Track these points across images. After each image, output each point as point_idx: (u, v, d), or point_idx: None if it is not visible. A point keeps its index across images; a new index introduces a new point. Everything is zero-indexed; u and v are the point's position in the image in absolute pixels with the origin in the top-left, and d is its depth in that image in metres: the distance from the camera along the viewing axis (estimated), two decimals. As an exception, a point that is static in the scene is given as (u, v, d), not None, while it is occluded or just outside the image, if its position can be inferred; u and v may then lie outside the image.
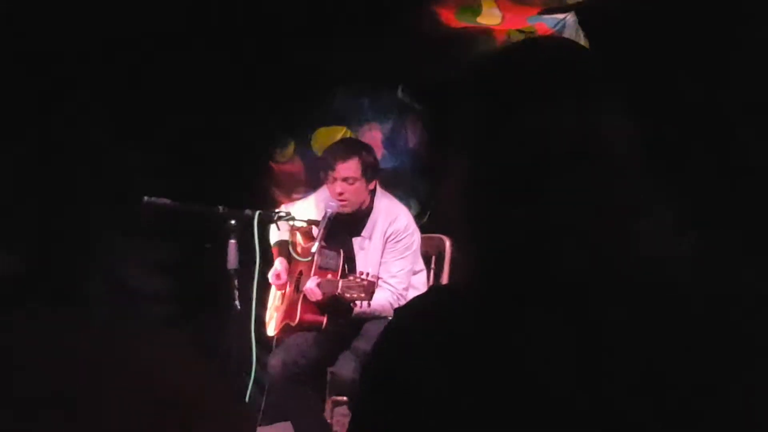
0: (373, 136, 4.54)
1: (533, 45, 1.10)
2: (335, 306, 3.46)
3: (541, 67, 0.96)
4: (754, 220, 3.31)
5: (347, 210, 3.57)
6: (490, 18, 4.32)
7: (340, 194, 3.52)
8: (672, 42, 3.52)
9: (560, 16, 4.23)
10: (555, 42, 1.04)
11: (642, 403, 0.87)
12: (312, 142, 4.54)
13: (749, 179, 3.44)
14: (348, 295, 3.26)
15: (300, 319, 3.57)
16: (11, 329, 0.86)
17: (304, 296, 3.56)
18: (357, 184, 3.53)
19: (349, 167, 3.51)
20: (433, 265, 3.84)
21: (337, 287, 3.29)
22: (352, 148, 3.63)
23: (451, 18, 4.28)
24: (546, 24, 4.27)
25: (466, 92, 0.98)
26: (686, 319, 0.90)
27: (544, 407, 0.88)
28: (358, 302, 3.32)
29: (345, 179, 3.51)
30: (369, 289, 3.22)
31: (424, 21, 4.12)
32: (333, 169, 3.52)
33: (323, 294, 3.39)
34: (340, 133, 4.49)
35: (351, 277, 3.30)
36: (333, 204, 3.56)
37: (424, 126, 4.56)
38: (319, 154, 4.47)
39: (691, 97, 3.47)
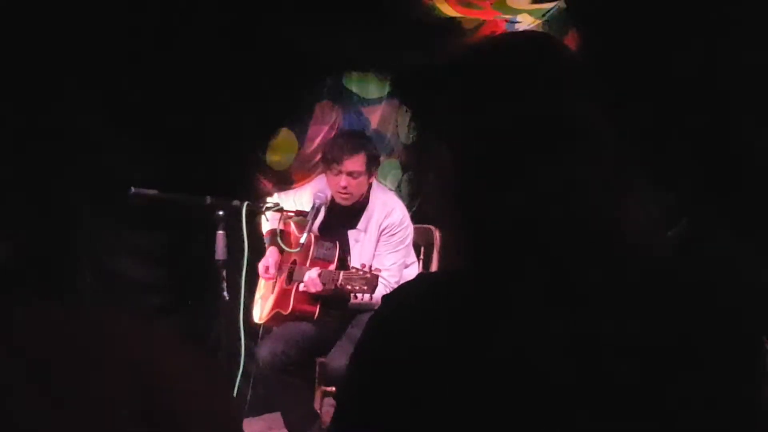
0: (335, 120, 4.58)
1: (515, 36, 1.11)
2: (334, 297, 3.45)
3: (524, 57, 0.97)
4: (743, 205, 3.32)
5: (348, 203, 3.58)
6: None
7: (345, 188, 3.52)
8: (657, 27, 3.53)
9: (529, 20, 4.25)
10: (537, 33, 1.05)
11: (629, 384, 0.87)
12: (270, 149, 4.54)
13: (739, 165, 3.45)
14: (349, 287, 3.24)
15: (293, 308, 3.57)
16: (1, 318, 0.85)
17: (299, 286, 3.56)
18: (361, 178, 3.55)
19: (356, 162, 3.52)
20: (422, 255, 3.85)
21: (338, 279, 3.28)
22: (359, 142, 3.61)
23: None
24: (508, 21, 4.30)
25: (452, 79, 0.99)
26: (676, 303, 0.90)
27: (532, 391, 0.88)
28: (359, 295, 3.31)
29: (350, 173, 3.52)
30: (372, 282, 3.21)
31: (415, 9, 4.12)
32: (339, 163, 3.51)
33: (324, 285, 3.39)
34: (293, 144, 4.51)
35: (353, 269, 3.28)
36: (321, 195, 3.56)
37: (407, 114, 4.58)
38: (271, 158, 4.48)
39: (679, 82, 3.48)
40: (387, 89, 4.73)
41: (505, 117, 0.92)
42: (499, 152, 0.92)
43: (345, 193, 3.54)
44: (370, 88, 4.71)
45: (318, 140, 4.48)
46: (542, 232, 0.91)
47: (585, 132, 0.93)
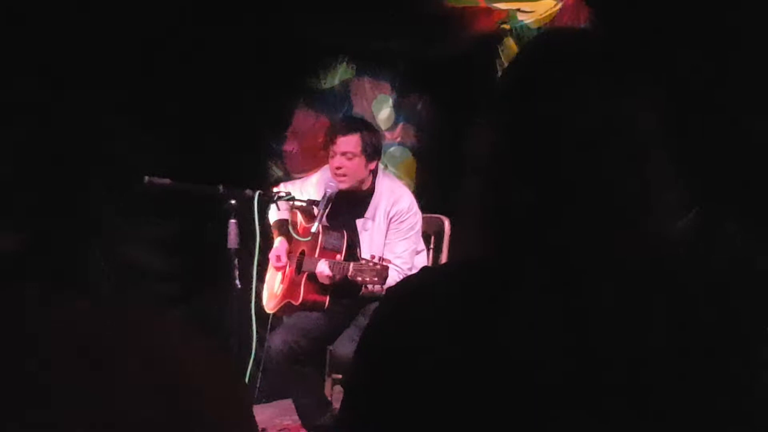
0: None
1: (561, 33, 1.12)
2: (344, 288, 3.47)
3: (566, 55, 0.98)
4: (758, 204, 3.31)
5: (345, 186, 3.58)
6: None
7: (338, 168, 3.54)
8: (667, 25, 3.52)
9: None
10: (580, 31, 1.06)
11: (632, 387, 0.88)
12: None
13: (755, 161, 3.44)
14: (360, 278, 3.26)
15: (303, 298, 3.59)
16: (12, 307, 0.86)
17: (309, 276, 3.58)
18: (356, 160, 3.55)
19: (349, 142, 3.54)
20: (432, 245, 3.86)
21: (348, 270, 3.30)
22: (354, 124, 3.67)
23: None
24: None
25: (510, 71, 1.00)
26: (689, 308, 0.91)
27: (529, 387, 0.89)
28: (369, 286, 3.32)
29: (344, 153, 3.54)
30: (382, 273, 3.23)
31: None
32: (334, 143, 3.56)
33: (334, 275, 3.41)
34: None
35: (363, 261, 3.30)
36: (333, 184, 3.57)
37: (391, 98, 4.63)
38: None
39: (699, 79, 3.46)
40: (347, 74, 4.77)
41: (553, 111, 0.93)
42: (539, 144, 0.93)
43: (340, 174, 3.56)
44: (331, 77, 4.75)
45: (304, 141, 4.58)
46: (559, 229, 0.92)
47: (626, 131, 0.93)
